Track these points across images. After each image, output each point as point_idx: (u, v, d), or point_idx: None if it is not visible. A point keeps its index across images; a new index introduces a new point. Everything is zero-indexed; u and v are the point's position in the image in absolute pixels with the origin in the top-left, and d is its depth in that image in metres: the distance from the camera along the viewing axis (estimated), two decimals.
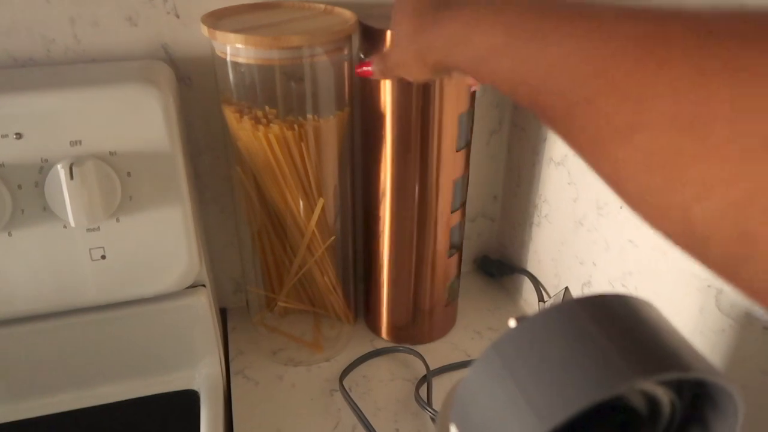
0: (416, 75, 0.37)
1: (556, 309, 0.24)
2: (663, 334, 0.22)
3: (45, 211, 0.44)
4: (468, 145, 0.55)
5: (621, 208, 0.48)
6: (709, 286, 0.40)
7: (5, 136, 0.42)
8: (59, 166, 0.42)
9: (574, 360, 0.21)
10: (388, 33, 0.47)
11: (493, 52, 0.25)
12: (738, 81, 0.16)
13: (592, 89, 0.20)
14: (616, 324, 0.23)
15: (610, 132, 0.19)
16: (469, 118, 0.53)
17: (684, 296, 0.42)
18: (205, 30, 0.45)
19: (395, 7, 0.36)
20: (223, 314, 0.67)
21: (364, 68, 0.44)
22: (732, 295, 0.38)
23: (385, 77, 0.45)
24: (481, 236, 0.73)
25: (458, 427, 0.24)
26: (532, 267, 0.65)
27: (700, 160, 0.17)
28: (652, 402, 0.25)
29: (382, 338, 0.63)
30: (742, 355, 0.38)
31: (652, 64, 0.18)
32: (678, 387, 0.25)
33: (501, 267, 0.71)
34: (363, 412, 0.53)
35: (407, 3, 0.34)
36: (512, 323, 0.25)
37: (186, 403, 0.54)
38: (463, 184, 0.56)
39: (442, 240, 0.57)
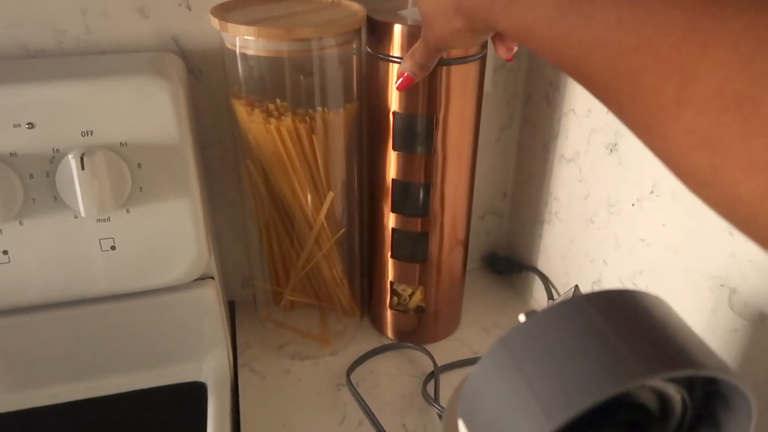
0: (449, 32, 0.35)
1: (565, 304, 0.23)
2: (674, 331, 0.22)
3: (56, 201, 0.45)
4: (475, 141, 0.54)
5: (633, 206, 0.48)
6: (722, 285, 0.40)
7: (17, 125, 0.42)
8: (70, 156, 0.42)
9: (582, 356, 0.21)
10: (395, 27, 0.47)
11: (540, 20, 0.25)
12: None
13: (638, 62, 0.20)
14: (625, 320, 0.22)
15: (656, 108, 0.19)
16: (475, 114, 0.52)
17: (696, 296, 0.42)
18: (215, 22, 0.45)
19: None
20: (232, 307, 0.67)
21: (400, 79, 0.45)
22: (746, 295, 0.38)
23: (423, 68, 0.45)
24: (490, 233, 0.72)
25: (465, 422, 0.24)
26: (541, 265, 0.65)
27: (746, 138, 0.17)
28: (663, 399, 0.25)
29: (388, 338, 0.63)
30: (756, 355, 0.37)
31: (700, 39, 0.18)
32: (690, 385, 0.25)
33: (509, 264, 0.70)
34: (370, 407, 0.53)
35: None
36: (522, 318, 0.25)
37: (194, 394, 0.55)
38: (468, 184, 0.56)
39: (446, 240, 0.56)
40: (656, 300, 0.24)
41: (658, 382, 0.23)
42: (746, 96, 0.16)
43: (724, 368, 0.21)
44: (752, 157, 0.17)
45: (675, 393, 0.24)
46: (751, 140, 0.16)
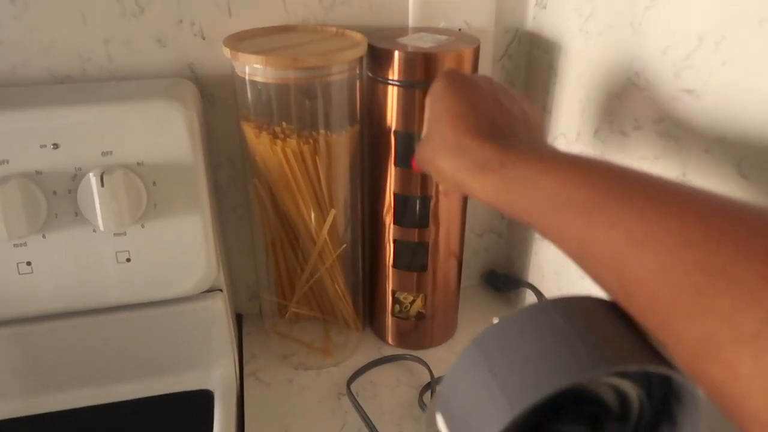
0: (442, 182, 0.35)
1: (533, 308, 0.26)
2: (628, 332, 0.25)
3: (77, 216, 0.48)
4: None
5: None
6: None
7: (44, 146, 0.46)
8: (91, 175, 0.46)
9: (543, 352, 0.24)
10: (396, 53, 0.51)
11: (565, 205, 0.25)
12: None
13: (708, 282, 0.19)
14: (585, 322, 0.25)
15: (729, 338, 0.18)
16: None
17: None
18: (227, 51, 0.49)
19: (434, 109, 0.36)
20: (239, 320, 0.70)
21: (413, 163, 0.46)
22: None
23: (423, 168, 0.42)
24: (489, 251, 0.75)
25: (442, 414, 0.27)
26: (536, 281, 0.67)
27: None
28: (623, 398, 0.27)
29: (389, 344, 0.65)
30: None
31: None
32: (648, 385, 0.27)
33: (507, 281, 0.73)
34: (369, 415, 0.55)
35: (451, 112, 0.34)
36: (495, 320, 0.27)
37: (201, 402, 0.57)
38: (462, 197, 0.59)
39: (442, 250, 0.59)
40: (614, 305, 0.26)
41: (614, 379, 0.26)
42: None
43: (668, 365, 0.23)
44: None
45: (632, 391, 0.26)
46: None
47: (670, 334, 0.21)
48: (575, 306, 0.26)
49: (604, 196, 0.24)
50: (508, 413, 0.23)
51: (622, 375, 0.26)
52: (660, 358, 0.24)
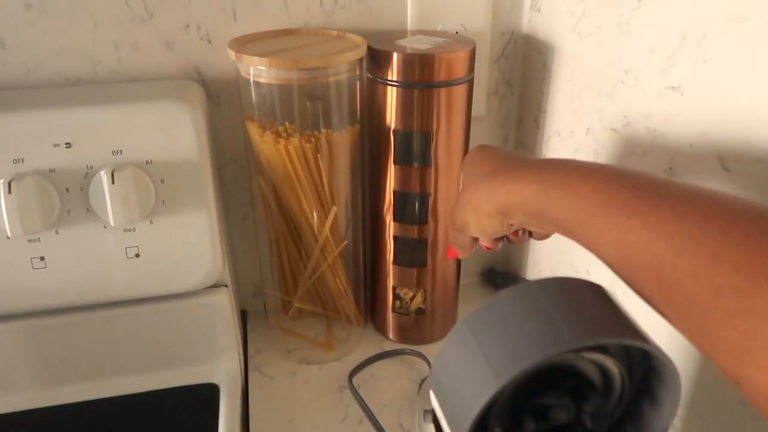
0: (482, 219, 0.36)
1: (518, 288, 0.28)
2: (608, 311, 0.26)
3: (88, 212, 0.50)
4: (465, 153, 0.59)
5: None
6: None
7: (57, 145, 0.48)
8: (102, 173, 0.48)
9: (528, 329, 0.25)
10: (394, 55, 0.52)
11: (604, 209, 0.25)
12: None
13: (750, 282, 0.19)
14: (567, 301, 0.26)
15: None
16: (465, 129, 0.58)
17: None
18: (232, 54, 0.51)
19: (469, 165, 0.38)
20: (244, 316, 0.72)
21: (449, 254, 0.48)
22: None
23: (462, 244, 0.43)
24: None
25: (434, 391, 0.28)
26: (533, 277, 0.69)
27: None
28: (605, 374, 0.29)
29: (390, 339, 0.67)
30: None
31: None
32: (628, 362, 0.29)
33: (506, 278, 0.74)
34: (369, 407, 0.57)
35: (486, 155, 0.37)
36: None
37: (207, 395, 0.59)
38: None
39: (441, 247, 0.61)
40: (597, 287, 0.28)
41: (596, 355, 0.27)
42: None
43: (644, 340, 0.25)
44: None
45: (613, 367, 0.28)
46: None
47: (710, 338, 0.21)
48: (560, 286, 0.28)
49: (643, 199, 0.24)
50: (494, 384, 0.24)
51: (604, 352, 0.27)
52: (638, 334, 0.25)
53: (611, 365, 0.28)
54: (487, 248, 0.41)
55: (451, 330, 0.28)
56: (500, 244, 0.41)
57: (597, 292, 0.28)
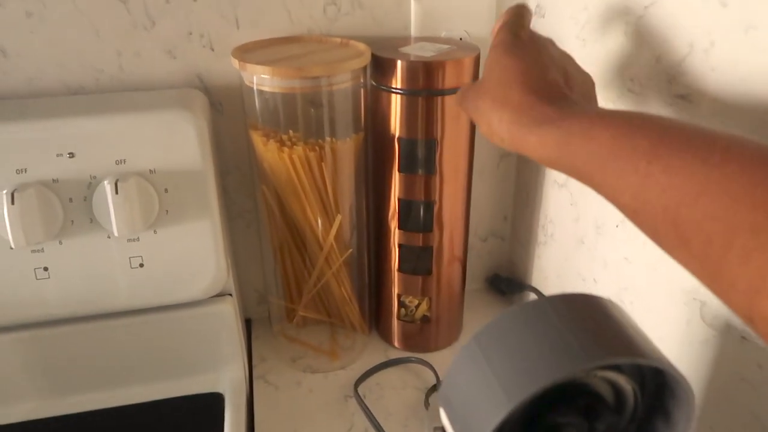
0: (493, 137, 0.36)
1: (529, 305, 0.27)
2: (619, 328, 0.26)
3: (92, 222, 0.50)
4: (470, 161, 0.59)
5: (617, 227, 0.51)
6: (694, 299, 0.43)
7: (60, 155, 0.48)
8: (106, 182, 0.47)
9: (539, 347, 0.25)
10: (398, 62, 0.52)
11: (625, 156, 0.25)
12: None
13: (766, 218, 0.20)
14: (577, 318, 0.26)
15: None
16: (469, 137, 0.57)
17: (673, 309, 0.45)
18: (235, 62, 0.51)
19: (501, 61, 0.37)
20: (248, 324, 0.71)
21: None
22: (714, 306, 0.41)
23: (463, 108, 0.42)
24: (492, 255, 0.76)
25: (444, 408, 0.28)
26: (538, 284, 0.68)
27: None
28: (617, 391, 0.28)
29: (395, 347, 0.67)
30: (723, 362, 0.41)
31: None
32: (641, 379, 0.28)
33: (510, 284, 0.74)
34: (375, 416, 0.57)
35: (520, 69, 0.35)
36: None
37: (211, 404, 0.58)
38: (465, 201, 0.60)
39: (446, 254, 0.61)
40: (608, 302, 0.28)
41: (608, 373, 0.27)
42: None
43: (657, 358, 0.25)
44: None
45: (626, 384, 0.28)
46: None
47: (726, 278, 0.21)
48: (570, 303, 0.27)
49: (663, 144, 0.24)
50: (505, 405, 0.24)
51: (617, 369, 0.27)
52: (652, 351, 0.25)
53: (624, 382, 0.27)
54: None
55: (461, 348, 0.27)
56: None
57: (607, 307, 0.27)
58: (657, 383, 0.28)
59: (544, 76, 0.35)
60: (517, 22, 0.40)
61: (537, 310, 0.27)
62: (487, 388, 0.25)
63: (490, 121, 0.36)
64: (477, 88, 0.38)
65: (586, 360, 0.24)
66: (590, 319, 0.26)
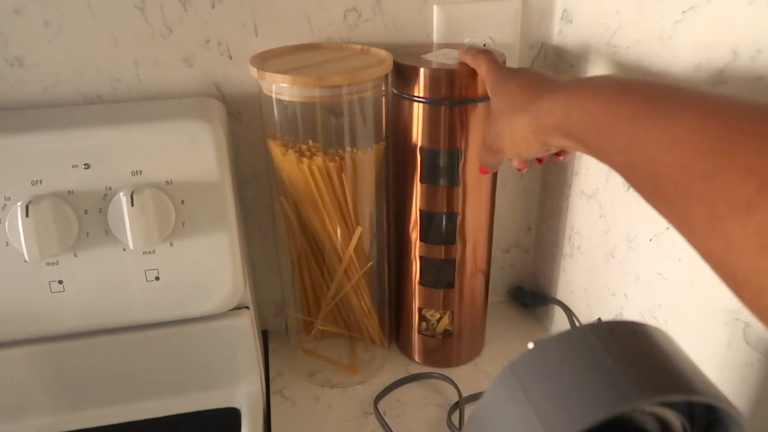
0: (519, 144, 0.39)
1: (570, 333, 0.25)
2: (670, 360, 0.24)
3: (107, 234, 0.49)
4: (494, 177, 0.57)
5: (650, 241, 0.49)
6: (737, 319, 0.41)
7: (75, 166, 0.47)
8: (121, 194, 0.46)
9: (582, 381, 0.23)
10: (421, 70, 0.50)
11: (612, 123, 0.28)
12: None
13: (714, 165, 0.22)
14: (624, 349, 0.24)
15: (727, 209, 0.21)
16: None
17: (712, 329, 0.43)
18: (254, 71, 0.49)
19: (496, 87, 0.43)
20: (265, 336, 0.70)
21: (481, 170, 0.52)
22: (759, 328, 0.39)
23: (492, 163, 0.47)
24: (515, 267, 0.74)
25: None
26: (564, 297, 0.66)
27: None
28: (665, 427, 0.26)
29: (416, 361, 0.65)
30: None
31: None
32: (690, 413, 0.26)
33: (534, 297, 0.71)
34: None
35: (516, 83, 0.41)
36: (530, 346, 0.27)
37: (228, 420, 0.57)
38: (488, 212, 0.58)
39: (469, 267, 0.59)
40: (656, 331, 0.26)
41: (657, 408, 0.25)
42: None
43: (714, 395, 0.22)
44: None
45: (675, 419, 0.26)
46: None
47: (691, 224, 0.23)
48: (615, 332, 0.25)
49: (644, 110, 0.27)
50: None
51: (665, 404, 0.25)
52: (705, 386, 0.23)
53: (672, 418, 0.25)
54: (519, 169, 0.46)
55: (496, 378, 0.26)
56: (528, 165, 0.47)
57: (655, 337, 0.25)
58: (709, 419, 0.26)
59: (534, 75, 0.41)
60: (492, 58, 0.47)
61: (578, 339, 0.25)
62: (527, 424, 0.23)
63: (511, 134, 0.40)
64: (489, 122, 0.43)
65: (634, 397, 0.22)
66: (638, 349, 0.24)
